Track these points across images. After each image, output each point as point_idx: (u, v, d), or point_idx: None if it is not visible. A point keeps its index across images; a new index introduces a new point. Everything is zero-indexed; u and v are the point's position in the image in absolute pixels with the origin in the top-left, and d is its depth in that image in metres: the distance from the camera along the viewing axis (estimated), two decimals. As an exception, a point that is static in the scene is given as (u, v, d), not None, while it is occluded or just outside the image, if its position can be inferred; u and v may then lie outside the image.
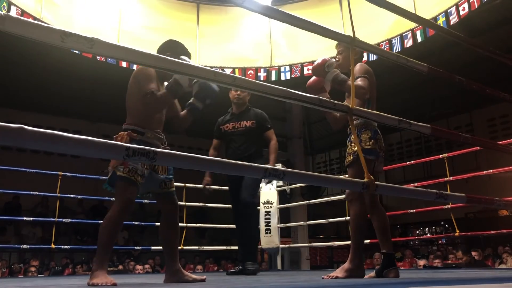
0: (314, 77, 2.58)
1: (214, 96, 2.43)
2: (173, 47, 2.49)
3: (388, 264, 2.53)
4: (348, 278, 2.36)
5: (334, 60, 2.63)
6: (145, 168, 2.29)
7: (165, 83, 2.34)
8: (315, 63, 2.47)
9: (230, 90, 3.82)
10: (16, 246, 7.51)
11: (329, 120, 2.76)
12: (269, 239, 5.86)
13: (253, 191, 3.73)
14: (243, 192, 3.62)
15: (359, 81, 2.48)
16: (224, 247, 6.35)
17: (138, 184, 2.27)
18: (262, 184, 6.20)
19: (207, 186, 3.82)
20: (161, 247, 5.71)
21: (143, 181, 2.28)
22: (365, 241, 5.08)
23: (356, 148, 2.49)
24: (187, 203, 5.20)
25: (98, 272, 2.15)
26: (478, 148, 4.32)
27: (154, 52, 1.30)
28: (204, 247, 6.43)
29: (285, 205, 6.54)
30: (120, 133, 2.31)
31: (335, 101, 1.76)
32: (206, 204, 5.60)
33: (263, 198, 6.02)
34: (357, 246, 2.51)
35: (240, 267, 3.62)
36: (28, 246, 5.83)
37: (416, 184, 5.04)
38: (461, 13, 5.81)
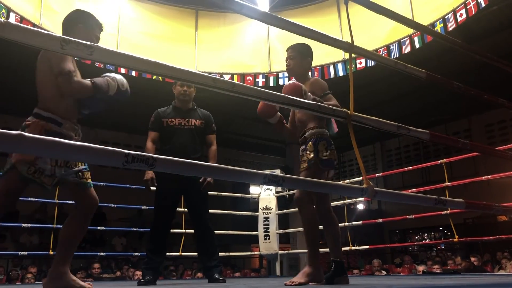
0: (264, 103, 2.53)
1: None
2: (85, 19, 2.27)
3: (339, 271, 2.53)
4: (309, 282, 2.43)
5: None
6: (58, 166, 2.05)
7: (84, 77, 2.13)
8: (290, 86, 2.44)
9: (174, 85, 3.58)
10: (14, 252, 7.48)
11: (286, 134, 2.85)
12: (268, 245, 5.85)
13: (207, 205, 3.65)
14: (200, 207, 3.55)
15: (332, 101, 2.51)
16: (222, 253, 6.33)
17: (44, 186, 2.04)
18: (261, 190, 6.20)
19: (152, 187, 3.49)
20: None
21: (50, 184, 2.05)
22: (365, 247, 5.11)
23: (312, 157, 2.52)
24: (185, 209, 5.18)
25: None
26: (477, 153, 4.33)
27: (152, 58, 1.30)
28: (193, 253, 6.39)
29: (284, 211, 6.53)
30: (33, 120, 2.02)
31: (334, 107, 1.76)
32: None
33: (262, 204, 6.01)
34: (314, 250, 2.56)
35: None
36: (26, 253, 5.79)
37: (414, 190, 5.04)
38: (459, 19, 5.84)
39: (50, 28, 6.16)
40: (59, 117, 2.04)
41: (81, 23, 2.23)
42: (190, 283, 4.40)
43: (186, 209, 5.14)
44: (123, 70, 6.63)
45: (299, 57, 2.71)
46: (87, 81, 2.07)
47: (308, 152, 2.56)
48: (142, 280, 3.41)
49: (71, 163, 2.09)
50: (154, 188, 3.50)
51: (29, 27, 1.08)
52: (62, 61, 1.99)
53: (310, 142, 2.55)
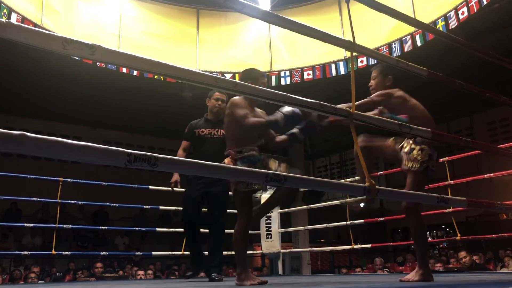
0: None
1: (315, 133, 2.68)
2: (254, 74, 2.91)
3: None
4: (422, 281, 2.50)
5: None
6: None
7: (257, 109, 2.84)
8: None
9: (209, 98, 3.90)
10: (16, 252, 7.50)
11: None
12: (270, 244, 5.85)
13: (225, 209, 3.86)
14: (216, 211, 3.78)
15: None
16: (225, 252, 6.33)
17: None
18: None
19: (175, 188, 3.98)
20: (161, 253, 6.00)
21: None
22: (367, 246, 5.13)
23: (426, 159, 2.55)
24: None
25: (243, 275, 2.57)
26: (479, 151, 4.32)
27: (154, 58, 1.30)
28: (205, 252, 6.40)
29: (286, 209, 6.53)
30: (225, 160, 2.66)
31: (335, 106, 1.76)
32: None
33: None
34: (424, 254, 2.64)
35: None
36: (29, 252, 5.81)
37: (416, 188, 5.02)
38: (461, 17, 5.83)
39: (52, 28, 6.17)
40: (238, 147, 2.70)
41: (249, 79, 2.78)
42: (191, 281, 4.41)
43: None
44: (124, 70, 6.65)
45: (380, 76, 2.89)
46: (260, 119, 2.70)
47: (422, 152, 2.56)
48: (187, 274, 4.03)
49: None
50: (177, 189, 3.99)
51: (31, 27, 1.09)
52: (240, 109, 2.71)
53: (424, 145, 2.56)
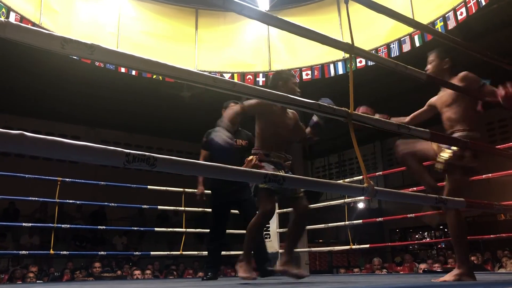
0: None
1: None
2: (283, 75, 3.00)
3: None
4: (457, 281, 2.40)
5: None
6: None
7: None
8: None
9: (224, 108, 3.98)
10: (14, 252, 7.48)
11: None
12: (268, 244, 5.82)
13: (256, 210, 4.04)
14: (250, 211, 3.86)
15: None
16: (224, 252, 6.32)
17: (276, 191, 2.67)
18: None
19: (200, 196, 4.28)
20: (159, 253, 6.08)
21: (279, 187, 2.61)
22: (365, 246, 5.14)
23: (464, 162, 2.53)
24: (186, 208, 5.20)
25: (243, 264, 2.73)
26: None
27: (153, 58, 1.30)
28: (203, 252, 6.40)
29: (284, 210, 6.52)
30: (250, 157, 2.78)
31: (335, 107, 1.76)
32: (206, 209, 5.58)
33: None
34: (460, 253, 2.56)
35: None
36: (27, 252, 5.80)
37: (415, 188, 5.03)
38: (459, 17, 5.83)
39: (51, 28, 6.16)
40: (266, 150, 2.76)
41: (280, 80, 2.93)
42: (189, 282, 4.41)
43: (186, 208, 5.22)
44: (123, 69, 6.64)
45: (437, 60, 2.87)
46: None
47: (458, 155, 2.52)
48: (205, 278, 4.09)
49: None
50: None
51: (30, 26, 1.08)
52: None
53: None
